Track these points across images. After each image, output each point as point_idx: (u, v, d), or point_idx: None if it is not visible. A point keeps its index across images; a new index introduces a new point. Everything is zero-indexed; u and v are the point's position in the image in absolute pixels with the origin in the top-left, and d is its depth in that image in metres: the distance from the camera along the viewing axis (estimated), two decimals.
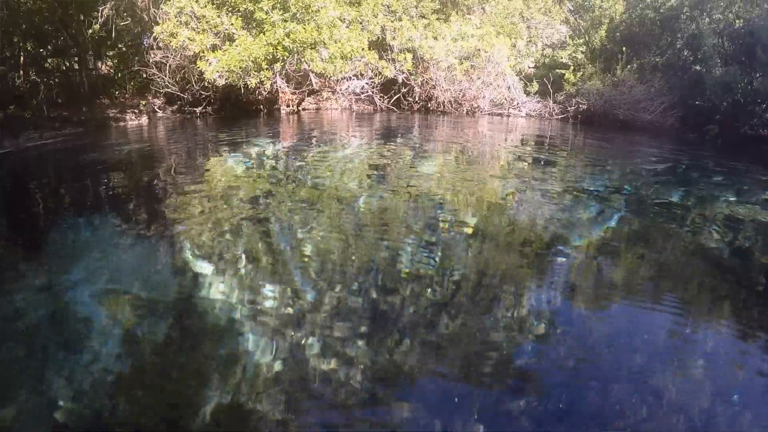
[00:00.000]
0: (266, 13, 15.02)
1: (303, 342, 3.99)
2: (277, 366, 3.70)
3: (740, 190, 9.84)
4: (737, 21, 15.99)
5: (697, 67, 16.21)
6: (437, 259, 5.61)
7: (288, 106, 18.13)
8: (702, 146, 14.59)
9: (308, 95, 18.71)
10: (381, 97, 19.12)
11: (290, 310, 4.47)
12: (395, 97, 19.29)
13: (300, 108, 18.54)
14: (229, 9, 15.21)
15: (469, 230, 6.62)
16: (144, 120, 15.56)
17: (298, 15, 15.31)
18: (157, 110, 16.33)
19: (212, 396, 3.39)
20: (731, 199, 9.06)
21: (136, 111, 15.85)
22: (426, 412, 3.27)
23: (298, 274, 5.19)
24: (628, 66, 18.09)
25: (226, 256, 5.58)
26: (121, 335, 4.09)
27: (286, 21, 15.11)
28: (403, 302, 4.63)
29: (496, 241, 6.35)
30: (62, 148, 11.72)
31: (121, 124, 14.94)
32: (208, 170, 9.87)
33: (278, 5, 15.13)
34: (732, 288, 5.55)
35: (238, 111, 16.95)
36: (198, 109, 16.40)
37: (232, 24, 14.99)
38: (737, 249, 6.57)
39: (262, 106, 17.64)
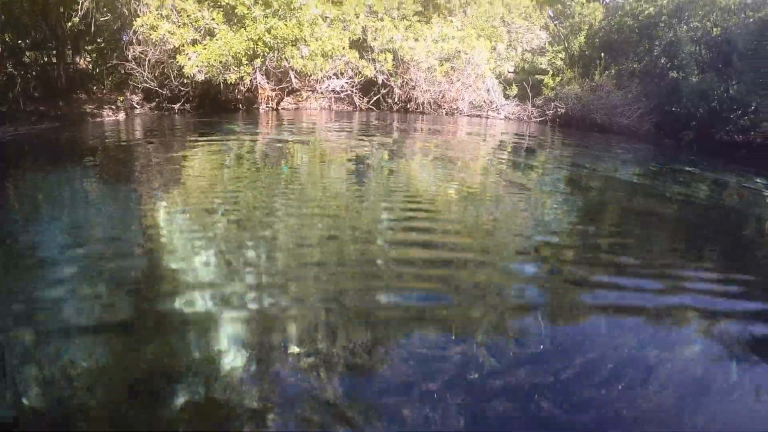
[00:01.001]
0: (248, 8, 14.97)
1: (276, 323, 3.93)
2: (250, 347, 3.63)
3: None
4: (714, 29, 16.23)
5: (674, 74, 16.42)
6: (416, 248, 5.60)
7: (267, 104, 18.04)
8: (677, 150, 14.82)
9: (287, 94, 18.64)
10: (360, 96, 19.13)
11: (262, 287, 4.42)
12: (375, 98, 19.29)
13: (279, 107, 18.46)
14: (211, 3, 15.13)
15: (448, 214, 6.72)
16: (121, 116, 15.37)
17: (279, 11, 15.27)
18: (135, 106, 16.15)
19: (181, 377, 3.31)
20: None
21: (113, 107, 15.65)
22: (408, 406, 3.21)
23: (273, 252, 5.17)
24: (606, 72, 18.29)
25: (198, 233, 5.56)
26: (85, 302, 4.04)
27: (267, 17, 15.07)
28: (379, 286, 4.60)
29: (471, 232, 6.39)
30: (38, 141, 11.61)
31: (98, 119, 14.75)
32: (185, 157, 9.85)
33: (260, 1, 15.09)
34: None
35: (216, 108, 16.82)
36: (176, 106, 16.23)
37: (213, 19, 14.91)
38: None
39: (240, 104, 17.52)
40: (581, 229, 6.62)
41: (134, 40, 14.98)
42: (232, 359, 3.42)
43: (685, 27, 16.75)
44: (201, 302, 4.07)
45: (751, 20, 15.46)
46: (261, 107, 17.91)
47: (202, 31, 15.04)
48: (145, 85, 15.66)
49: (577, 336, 3.99)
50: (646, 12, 17.88)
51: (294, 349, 3.53)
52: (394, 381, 3.31)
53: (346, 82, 18.29)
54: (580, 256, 5.64)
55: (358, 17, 17.44)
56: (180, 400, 3.04)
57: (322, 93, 19.02)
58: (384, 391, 3.21)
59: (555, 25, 21.59)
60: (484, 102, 19.24)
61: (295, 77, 17.00)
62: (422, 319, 4.07)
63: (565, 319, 4.23)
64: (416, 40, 18.19)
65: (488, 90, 19.19)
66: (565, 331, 4.05)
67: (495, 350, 3.69)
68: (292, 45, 15.41)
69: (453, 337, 3.82)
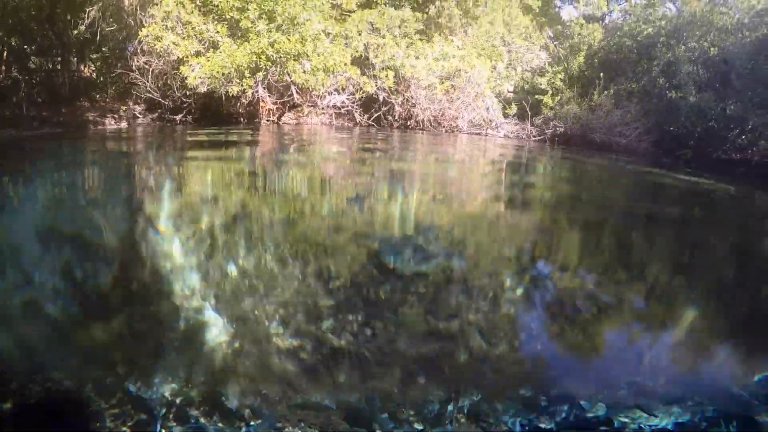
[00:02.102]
0: (252, 22, 15.14)
1: (263, 316, 3.85)
2: (236, 343, 3.55)
3: None
4: (712, 49, 16.42)
5: (672, 94, 16.55)
6: (411, 258, 5.52)
7: (268, 117, 18.14)
8: (676, 168, 14.86)
9: (289, 109, 18.74)
10: (361, 113, 19.22)
11: (251, 286, 4.36)
12: (375, 115, 19.38)
13: (280, 121, 18.56)
14: (216, 16, 15.31)
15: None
16: (123, 125, 15.48)
17: (283, 26, 15.46)
18: (138, 116, 16.25)
19: (162, 363, 3.21)
20: None
21: (116, 116, 15.79)
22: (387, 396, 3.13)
23: (263, 250, 5.11)
24: (605, 91, 18.39)
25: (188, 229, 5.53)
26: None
27: (270, 31, 15.24)
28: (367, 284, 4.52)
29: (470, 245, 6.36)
30: (39, 145, 11.67)
31: (100, 127, 14.85)
32: (184, 165, 9.89)
33: (264, 15, 15.28)
34: None
35: (218, 121, 16.90)
36: (178, 117, 16.33)
37: (217, 31, 15.08)
38: None
39: (242, 118, 17.61)
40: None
41: (139, 51, 15.16)
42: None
43: (683, 47, 16.92)
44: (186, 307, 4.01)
45: (748, 40, 15.67)
46: (262, 121, 18.00)
47: (206, 44, 15.22)
48: (148, 95, 15.78)
49: None
50: (645, 32, 18.09)
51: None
52: None
53: (347, 98, 18.40)
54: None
55: (360, 34, 17.66)
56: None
57: (323, 108, 19.11)
58: None
59: (555, 45, 21.83)
60: (484, 120, 19.33)
61: (297, 92, 17.14)
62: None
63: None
64: (417, 58, 18.36)
65: (488, 109, 19.30)
66: None
67: None
68: (295, 59, 15.59)
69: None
